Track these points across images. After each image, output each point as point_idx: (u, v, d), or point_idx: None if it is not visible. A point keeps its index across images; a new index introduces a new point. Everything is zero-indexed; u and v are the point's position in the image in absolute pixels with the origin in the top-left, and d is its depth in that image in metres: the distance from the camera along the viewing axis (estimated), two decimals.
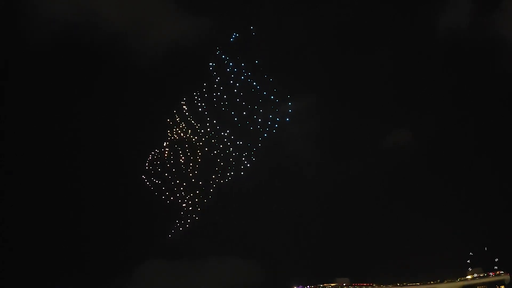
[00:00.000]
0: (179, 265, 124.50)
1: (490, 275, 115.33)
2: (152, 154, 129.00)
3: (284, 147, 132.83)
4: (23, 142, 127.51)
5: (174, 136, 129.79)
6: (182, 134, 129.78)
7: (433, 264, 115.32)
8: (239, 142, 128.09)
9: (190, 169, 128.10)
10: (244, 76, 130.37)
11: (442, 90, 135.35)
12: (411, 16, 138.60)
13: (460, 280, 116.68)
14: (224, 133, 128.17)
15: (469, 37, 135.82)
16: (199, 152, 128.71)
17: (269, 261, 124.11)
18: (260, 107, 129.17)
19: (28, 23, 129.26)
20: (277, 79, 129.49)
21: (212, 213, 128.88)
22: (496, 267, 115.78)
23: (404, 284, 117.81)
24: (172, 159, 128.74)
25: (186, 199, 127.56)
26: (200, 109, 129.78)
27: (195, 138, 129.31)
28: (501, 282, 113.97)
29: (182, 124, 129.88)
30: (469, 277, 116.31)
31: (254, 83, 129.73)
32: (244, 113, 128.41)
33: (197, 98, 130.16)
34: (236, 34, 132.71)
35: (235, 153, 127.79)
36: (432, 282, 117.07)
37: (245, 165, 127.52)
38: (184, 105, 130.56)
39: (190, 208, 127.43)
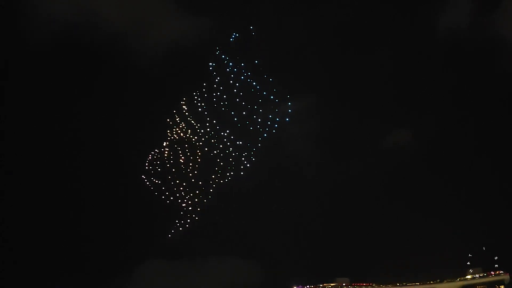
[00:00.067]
0: (179, 265, 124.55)
1: (489, 275, 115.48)
2: (152, 154, 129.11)
3: (284, 147, 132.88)
4: (23, 142, 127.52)
5: (174, 136, 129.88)
6: (182, 134, 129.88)
7: (432, 264, 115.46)
8: (239, 142, 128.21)
9: (190, 169, 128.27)
10: (244, 76, 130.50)
11: (442, 90, 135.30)
12: (411, 16, 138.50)
13: (459, 280, 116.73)
14: (224, 133, 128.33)
15: (469, 37, 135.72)
16: (199, 152, 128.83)
17: (269, 261, 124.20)
18: (260, 107, 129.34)
19: (28, 23, 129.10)
20: (277, 79, 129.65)
21: (212, 213, 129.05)
22: (496, 265, 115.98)
23: (404, 284, 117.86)
24: (172, 159, 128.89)
25: (186, 199, 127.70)
26: (200, 109, 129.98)
27: (195, 138, 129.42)
28: (500, 282, 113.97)
29: (182, 124, 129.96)
30: (468, 277, 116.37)
31: (254, 83, 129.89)
32: (244, 113, 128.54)
33: (197, 98, 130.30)
34: (236, 34, 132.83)
35: (235, 153, 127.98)
36: (431, 282, 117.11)
37: (245, 165, 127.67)
38: (184, 105, 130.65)
39: (190, 208, 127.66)
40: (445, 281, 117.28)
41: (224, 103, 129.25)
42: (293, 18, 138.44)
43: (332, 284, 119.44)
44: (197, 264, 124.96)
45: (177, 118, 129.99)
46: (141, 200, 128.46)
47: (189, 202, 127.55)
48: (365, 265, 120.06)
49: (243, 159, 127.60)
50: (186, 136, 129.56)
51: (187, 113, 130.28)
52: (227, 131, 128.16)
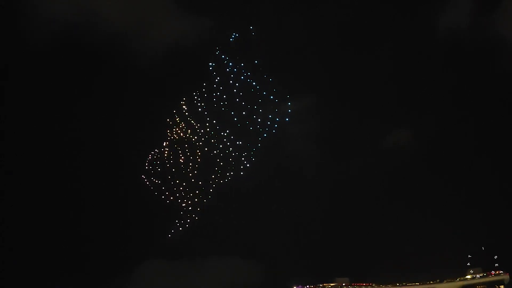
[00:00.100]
0: (179, 265, 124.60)
1: (489, 275, 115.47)
2: (152, 154, 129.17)
3: (284, 147, 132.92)
4: (23, 142, 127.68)
5: (174, 136, 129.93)
6: (182, 134, 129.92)
7: (432, 264, 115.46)
8: (239, 142, 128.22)
9: (190, 169, 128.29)
10: (244, 76, 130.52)
11: (442, 90, 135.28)
12: (411, 16, 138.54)
13: (459, 280, 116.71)
14: (224, 133, 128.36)
15: (469, 37, 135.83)
16: (198, 152, 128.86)
17: (269, 261, 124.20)
18: (260, 107, 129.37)
19: (28, 23, 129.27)
20: (277, 79, 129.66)
21: (212, 213, 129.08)
22: (496, 265, 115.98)
23: (404, 284, 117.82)
24: (172, 159, 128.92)
25: (186, 199, 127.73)
26: (200, 109, 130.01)
27: (194, 138, 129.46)
28: (500, 282, 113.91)
29: (182, 124, 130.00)
30: (468, 277, 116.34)
31: (254, 83, 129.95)
32: (244, 113, 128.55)
33: (197, 98, 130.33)
34: (236, 34, 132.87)
35: (235, 153, 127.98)
36: (431, 282, 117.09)
37: (244, 165, 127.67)
38: (184, 105, 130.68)
39: (190, 208, 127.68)
40: (445, 281, 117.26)
41: (224, 103, 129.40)
42: (293, 18, 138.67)
43: (332, 284, 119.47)
44: (197, 264, 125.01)
45: (177, 118, 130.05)
46: (141, 200, 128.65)
47: (189, 202, 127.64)
48: (365, 265, 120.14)
49: (243, 159, 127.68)
50: (186, 136, 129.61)
51: (187, 113, 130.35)
52: (227, 131, 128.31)
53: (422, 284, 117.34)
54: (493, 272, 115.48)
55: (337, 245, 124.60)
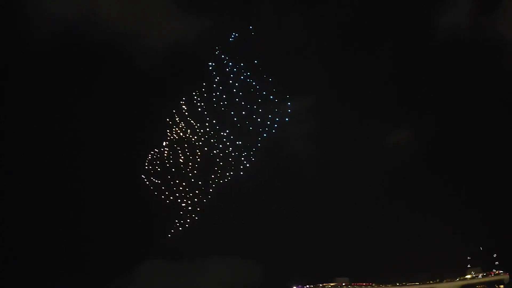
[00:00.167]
0: (179, 265, 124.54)
1: (489, 274, 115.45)
2: (151, 154, 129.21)
3: (284, 147, 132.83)
4: (23, 142, 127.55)
5: (173, 136, 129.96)
6: (181, 134, 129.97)
7: (432, 264, 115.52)
8: (239, 142, 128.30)
9: (189, 169, 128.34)
10: (243, 76, 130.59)
11: (442, 90, 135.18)
12: (411, 16, 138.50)
13: (459, 280, 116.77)
14: (223, 133, 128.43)
15: (469, 37, 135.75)
16: (198, 152, 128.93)
17: (269, 261, 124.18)
18: (259, 107, 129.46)
19: (28, 23, 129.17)
20: (276, 79, 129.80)
21: (212, 213, 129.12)
22: (497, 263, 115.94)
23: (404, 284, 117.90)
24: (171, 159, 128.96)
25: (186, 199, 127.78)
26: (200, 109, 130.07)
27: (194, 138, 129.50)
28: (500, 282, 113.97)
29: (182, 124, 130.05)
30: (468, 276, 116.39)
31: (254, 83, 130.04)
32: (244, 113, 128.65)
33: (197, 98, 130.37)
34: (236, 34, 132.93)
35: (235, 153, 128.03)
36: (431, 282, 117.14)
37: (244, 165, 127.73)
38: (184, 105, 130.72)
39: (190, 208, 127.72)
40: (445, 281, 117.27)
41: (224, 103, 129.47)
42: (293, 18, 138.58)
43: (331, 284, 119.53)
44: (197, 264, 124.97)
45: (177, 118, 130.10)
46: (141, 200, 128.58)
47: (189, 202, 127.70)
48: (365, 265, 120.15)
49: (243, 159, 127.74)
50: (185, 136, 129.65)
51: (187, 113, 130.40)
52: (227, 131, 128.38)
53: (422, 284, 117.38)
54: (493, 272, 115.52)
55: (337, 245, 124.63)
